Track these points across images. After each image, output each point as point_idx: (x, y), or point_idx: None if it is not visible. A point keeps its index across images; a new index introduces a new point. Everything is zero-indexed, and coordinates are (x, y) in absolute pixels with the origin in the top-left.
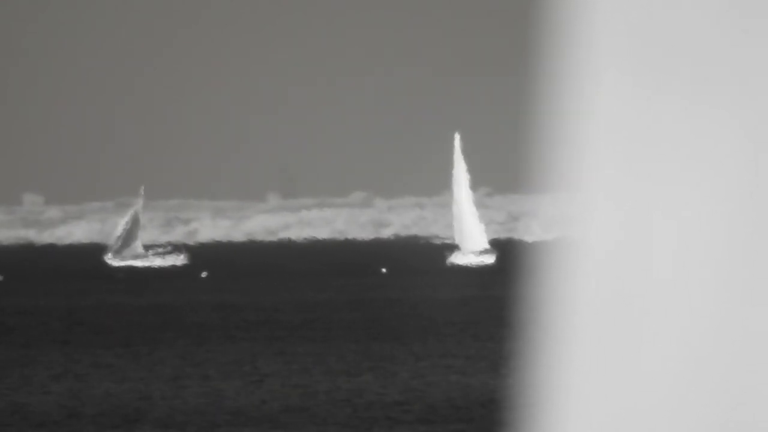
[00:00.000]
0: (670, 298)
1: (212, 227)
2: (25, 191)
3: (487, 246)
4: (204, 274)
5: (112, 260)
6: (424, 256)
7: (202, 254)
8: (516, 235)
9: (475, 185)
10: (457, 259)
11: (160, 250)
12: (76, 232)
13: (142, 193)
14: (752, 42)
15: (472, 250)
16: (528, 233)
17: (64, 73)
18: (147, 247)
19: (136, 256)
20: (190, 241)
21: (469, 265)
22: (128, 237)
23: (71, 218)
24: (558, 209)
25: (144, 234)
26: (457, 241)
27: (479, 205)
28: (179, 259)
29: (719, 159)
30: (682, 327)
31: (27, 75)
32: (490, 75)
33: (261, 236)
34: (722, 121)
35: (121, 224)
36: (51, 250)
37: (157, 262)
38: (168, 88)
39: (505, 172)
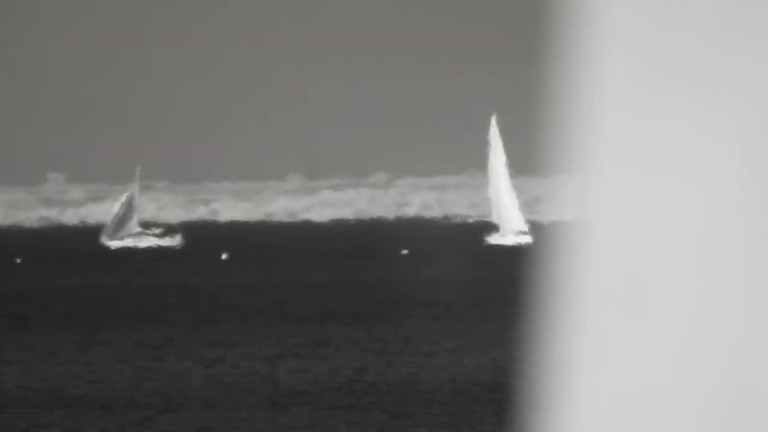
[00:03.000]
0: (681, 282)
1: (233, 208)
2: (49, 170)
3: (525, 226)
4: (224, 256)
5: (107, 241)
6: (451, 237)
7: (223, 235)
8: (538, 217)
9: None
10: (494, 239)
11: (156, 231)
12: (98, 212)
13: (138, 174)
14: (760, 30)
15: (511, 230)
16: (550, 215)
17: (89, 53)
18: (142, 227)
19: (131, 236)
20: (210, 221)
21: (506, 245)
22: (123, 218)
23: (94, 198)
24: (577, 191)
25: (166, 214)
26: (495, 222)
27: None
28: (174, 241)
29: (732, 144)
30: (692, 312)
31: (51, 55)
32: (513, 57)
33: (282, 217)
34: (731, 107)
35: (116, 206)
36: (73, 230)
37: (153, 242)
38: (191, 69)
39: (526, 154)
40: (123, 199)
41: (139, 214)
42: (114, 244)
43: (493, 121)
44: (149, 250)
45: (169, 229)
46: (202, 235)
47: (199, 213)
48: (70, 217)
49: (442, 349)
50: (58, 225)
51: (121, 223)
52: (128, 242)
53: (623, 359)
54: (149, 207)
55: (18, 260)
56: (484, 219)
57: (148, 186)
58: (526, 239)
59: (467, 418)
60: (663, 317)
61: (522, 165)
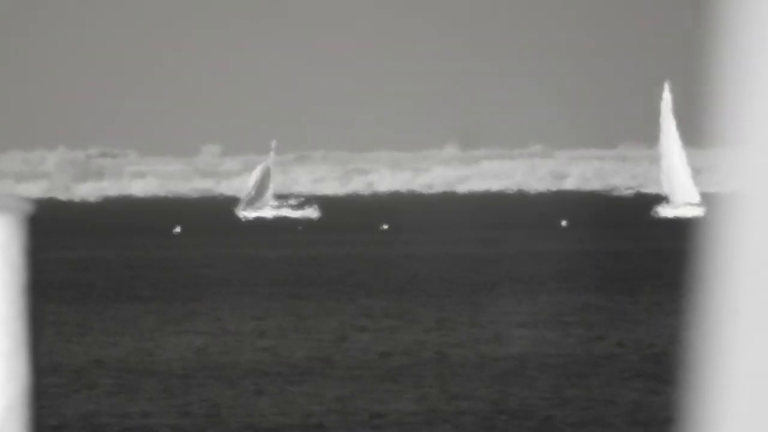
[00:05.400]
0: None
1: (390, 179)
2: (204, 142)
3: (698, 198)
4: (385, 227)
5: (243, 212)
6: (614, 208)
7: (380, 206)
8: (705, 189)
9: (655, 139)
10: (665, 211)
11: (293, 202)
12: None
13: (274, 146)
14: None
15: (683, 202)
16: (709, 187)
17: (243, 24)
18: (279, 198)
19: (267, 208)
20: (367, 192)
21: (679, 217)
22: (260, 189)
23: (249, 170)
24: (735, 163)
25: (323, 186)
26: (666, 193)
27: (657, 158)
28: (311, 212)
29: None
30: None
31: (206, 29)
32: (678, 27)
33: (439, 188)
34: None
35: (253, 177)
36: (229, 200)
37: (289, 213)
38: (353, 38)
39: (686, 125)
40: (258, 170)
41: (275, 186)
42: (253, 214)
43: (666, 89)
44: (301, 221)
45: (306, 201)
46: (358, 206)
47: (356, 183)
48: (225, 188)
49: (605, 323)
50: (213, 196)
51: (258, 194)
52: (265, 213)
53: None
54: (304, 179)
55: (177, 230)
56: (647, 191)
57: (304, 156)
58: (698, 211)
59: (621, 391)
60: None
61: (683, 137)
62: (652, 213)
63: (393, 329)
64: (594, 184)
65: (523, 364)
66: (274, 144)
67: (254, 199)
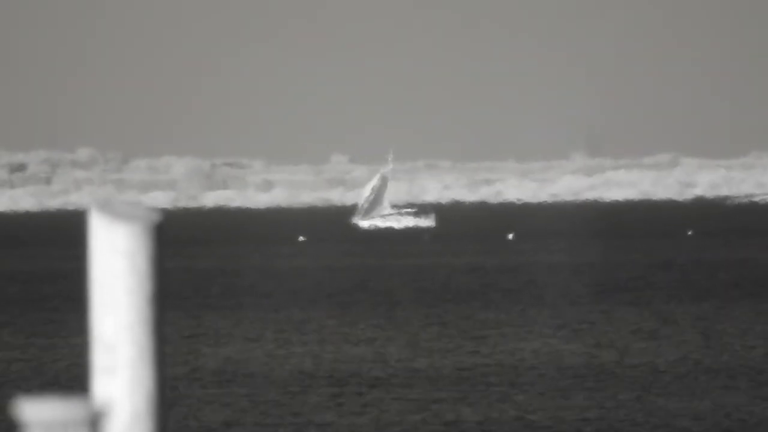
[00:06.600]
0: None
1: (517, 188)
2: (333, 151)
3: None
4: (510, 236)
5: (359, 221)
6: (746, 216)
7: (506, 215)
8: None
9: None
10: None
11: (408, 211)
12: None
13: (391, 157)
14: None
15: None
16: None
17: (375, 35)
18: (395, 208)
19: (383, 217)
20: (494, 201)
21: None
22: (376, 199)
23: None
24: None
25: (451, 194)
26: None
27: None
28: (426, 221)
29: None
30: None
31: (339, 36)
32: None
33: (566, 197)
34: None
35: (369, 186)
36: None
37: (404, 223)
38: (482, 52)
39: None
40: (375, 180)
41: (401, 194)
42: (368, 223)
43: None
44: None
45: (423, 209)
46: (484, 214)
47: (483, 192)
48: (353, 197)
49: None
50: (341, 205)
51: (374, 203)
52: (380, 222)
53: None
54: (433, 187)
55: (300, 238)
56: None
57: (432, 165)
58: None
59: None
60: None
61: None
62: None
63: (518, 338)
64: (722, 193)
65: (659, 372)
66: (391, 155)
67: (370, 208)
